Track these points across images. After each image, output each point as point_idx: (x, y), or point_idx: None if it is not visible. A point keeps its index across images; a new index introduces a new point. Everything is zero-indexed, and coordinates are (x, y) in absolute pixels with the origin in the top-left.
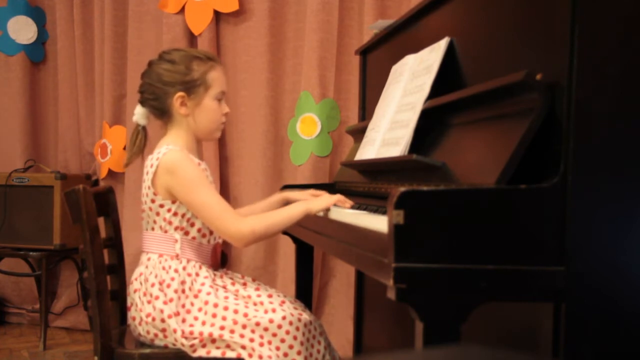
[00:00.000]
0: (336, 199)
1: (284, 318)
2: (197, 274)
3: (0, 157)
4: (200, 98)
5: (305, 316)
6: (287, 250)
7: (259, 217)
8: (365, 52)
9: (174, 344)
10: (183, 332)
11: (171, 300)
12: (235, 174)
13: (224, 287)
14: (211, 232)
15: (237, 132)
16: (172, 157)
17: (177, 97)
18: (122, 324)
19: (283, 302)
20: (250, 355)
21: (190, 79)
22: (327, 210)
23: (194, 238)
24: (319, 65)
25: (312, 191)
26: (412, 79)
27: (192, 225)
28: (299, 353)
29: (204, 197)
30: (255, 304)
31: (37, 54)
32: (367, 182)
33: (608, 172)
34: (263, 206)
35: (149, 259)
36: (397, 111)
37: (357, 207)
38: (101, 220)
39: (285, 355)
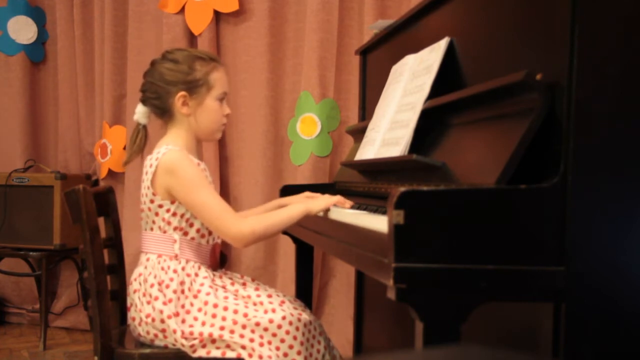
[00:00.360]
0: (336, 200)
1: (283, 318)
2: (196, 275)
3: (0, 157)
4: (202, 98)
5: (305, 316)
6: (287, 250)
7: (258, 217)
8: (365, 52)
9: (173, 345)
10: (183, 332)
11: (170, 300)
12: (235, 174)
13: (224, 287)
14: (210, 233)
15: (237, 132)
16: (172, 157)
17: (179, 97)
18: (122, 324)
19: (283, 302)
20: (250, 355)
21: (193, 78)
22: (327, 210)
23: (192, 238)
24: (319, 65)
25: (307, 194)
26: (412, 79)
27: (191, 225)
28: (298, 353)
29: (203, 198)
30: (255, 304)
31: (37, 54)
32: (367, 182)
33: (608, 172)
34: (260, 212)
35: (148, 260)
36: (397, 111)
37: (357, 207)
38: (101, 220)
39: (285, 355)
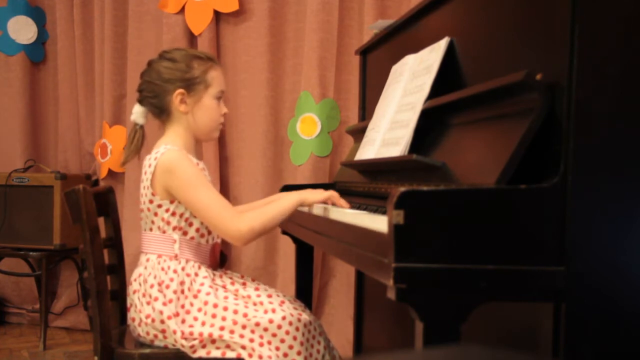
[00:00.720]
0: (329, 194)
1: (283, 318)
2: (196, 274)
3: (0, 157)
4: (200, 96)
5: (305, 316)
6: (287, 250)
7: (255, 213)
8: (365, 52)
9: (173, 345)
10: (183, 332)
11: (170, 301)
12: (235, 174)
13: (224, 286)
14: (209, 232)
15: (237, 132)
16: (171, 156)
17: (177, 94)
18: (122, 324)
19: (283, 302)
20: (250, 356)
21: (191, 76)
22: (326, 208)
23: (192, 238)
24: (319, 65)
25: (308, 190)
26: (412, 79)
27: (191, 225)
28: (298, 353)
29: (202, 196)
30: (255, 304)
31: (37, 54)
32: (367, 182)
33: (608, 172)
34: (259, 206)
35: (147, 260)
36: (397, 111)
37: (357, 207)
38: (101, 220)
39: (285, 355)
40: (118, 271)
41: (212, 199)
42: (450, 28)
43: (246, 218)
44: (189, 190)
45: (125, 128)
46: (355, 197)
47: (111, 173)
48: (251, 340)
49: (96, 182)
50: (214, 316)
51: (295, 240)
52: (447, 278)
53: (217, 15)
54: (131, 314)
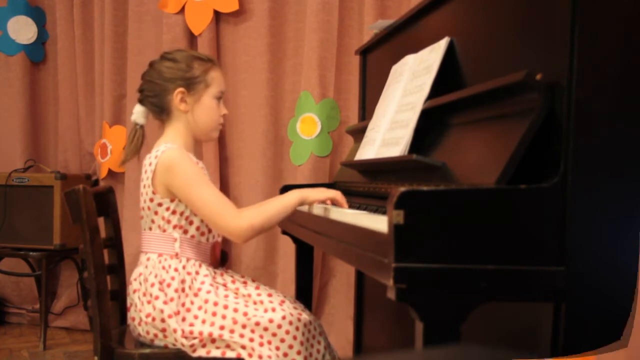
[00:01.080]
0: (333, 194)
1: (283, 318)
2: (197, 273)
3: (0, 157)
4: (200, 95)
5: (305, 316)
6: (287, 250)
7: (255, 211)
8: (365, 52)
9: (174, 344)
10: (183, 331)
11: (171, 299)
12: (235, 174)
13: (224, 285)
14: (210, 230)
15: (237, 132)
16: (171, 154)
17: (177, 93)
18: (122, 324)
19: (283, 301)
20: (250, 355)
21: (191, 75)
22: (326, 208)
23: (192, 236)
24: (319, 65)
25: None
26: (412, 79)
27: (191, 223)
28: (298, 353)
29: (202, 194)
30: (255, 303)
31: (37, 54)
32: (367, 182)
33: (608, 172)
34: None
35: (148, 259)
36: (397, 111)
37: (357, 207)
38: (101, 220)
39: (285, 355)
40: (118, 271)
41: (212, 196)
42: (450, 28)
43: (246, 215)
44: (189, 188)
45: (125, 128)
46: (355, 197)
47: (111, 173)
48: (251, 340)
49: (96, 182)
50: (214, 314)
51: (295, 240)
52: (447, 278)
53: (217, 15)
54: (131, 313)
